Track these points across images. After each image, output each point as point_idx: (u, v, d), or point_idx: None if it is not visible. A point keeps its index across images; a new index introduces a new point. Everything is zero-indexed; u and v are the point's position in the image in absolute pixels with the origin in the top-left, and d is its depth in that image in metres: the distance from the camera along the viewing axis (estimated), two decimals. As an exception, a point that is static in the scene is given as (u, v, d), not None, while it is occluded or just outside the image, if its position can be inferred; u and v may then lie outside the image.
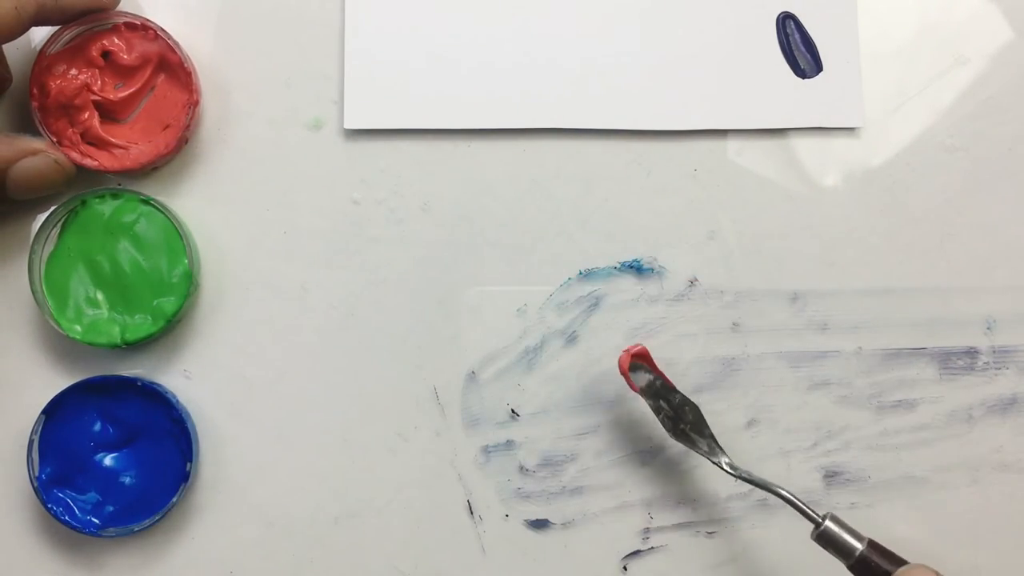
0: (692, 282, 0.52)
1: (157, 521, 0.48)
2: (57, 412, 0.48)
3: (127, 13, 0.49)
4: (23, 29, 0.46)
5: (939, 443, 0.52)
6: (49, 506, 0.48)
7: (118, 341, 0.48)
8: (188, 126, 0.49)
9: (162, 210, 0.49)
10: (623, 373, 0.48)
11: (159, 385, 0.49)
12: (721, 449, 0.48)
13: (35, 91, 0.48)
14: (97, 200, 0.49)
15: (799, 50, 0.52)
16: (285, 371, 0.51)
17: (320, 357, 0.51)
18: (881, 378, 0.52)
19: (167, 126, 0.50)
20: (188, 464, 0.48)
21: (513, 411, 0.51)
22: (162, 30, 0.49)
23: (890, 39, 0.53)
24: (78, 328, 0.48)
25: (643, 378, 0.48)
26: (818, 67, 0.52)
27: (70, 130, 0.49)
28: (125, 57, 0.49)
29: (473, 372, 0.51)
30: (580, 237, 0.52)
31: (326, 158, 0.51)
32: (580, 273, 0.52)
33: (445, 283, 0.51)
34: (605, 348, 0.51)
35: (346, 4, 0.51)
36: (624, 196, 0.52)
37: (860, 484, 0.51)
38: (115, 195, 0.49)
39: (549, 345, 0.51)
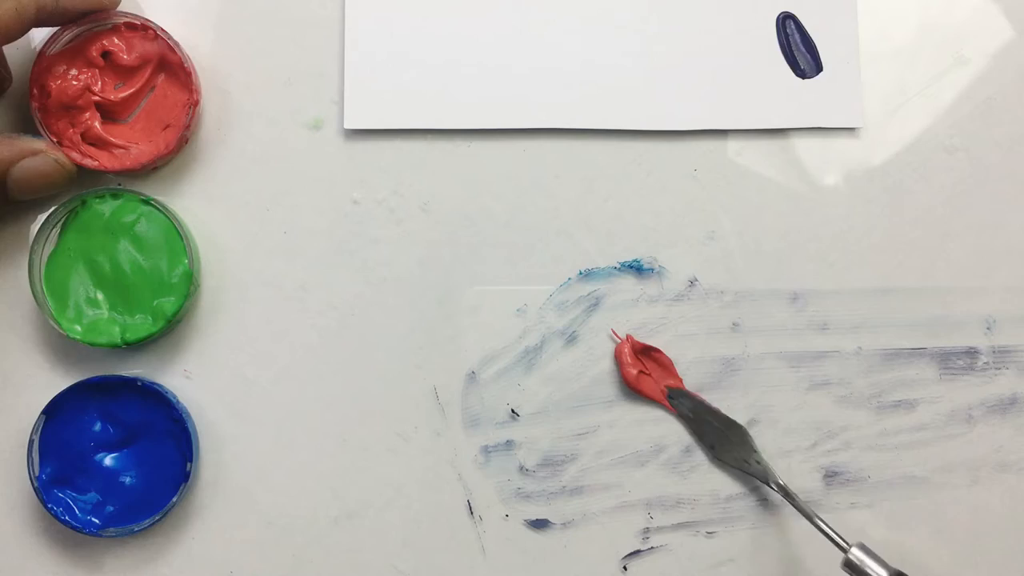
0: (692, 282, 0.52)
1: (157, 521, 0.48)
2: (57, 412, 0.48)
3: (127, 13, 0.49)
4: (23, 30, 0.46)
5: (939, 443, 0.52)
6: (49, 506, 0.48)
7: (118, 341, 0.48)
8: (188, 126, 0.49)
9: (162, 210, 0.49)
10: (633, 386, 0.49)
11: (159, 385, 0.49)
12: (768, 468, 0.49)
13: (35, 91, 0.48)
14: (97, 200, 0.49)
15: (799, 50, 0.52)
16: (285, 371, 0.51)
17: (320, 357, 0.51)
18: (881, 378, 0.52)
19: (167, 126, 0.50)
20: (188, 464, 0.48)
21: (513, 411, 0.51)
22: (162, 30, 0.49)
23: (890, 39, 0.53)
24: (78, 328, 0.48)
25: (683, 404, 0.49)
26: (818, 67, 0.52)
27: (70, 130, 0.49)
28: (125, 57, 0.49)
29: (473, 372, 0.51)
30: (580, 237, 0.52)
31: (326, 158, 0.51)
32: (580, 273, 0.52)
33: (445, 283, 0.51)
34: (605, 348, 0.51)
35: (346, 4, 0.51)
36: (624, 196, 0.52)
37: (860, 484, 0.51)
38: (115, 195, 0.49)
39: (549, 345, 0.51)
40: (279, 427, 0.50)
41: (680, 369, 0.51)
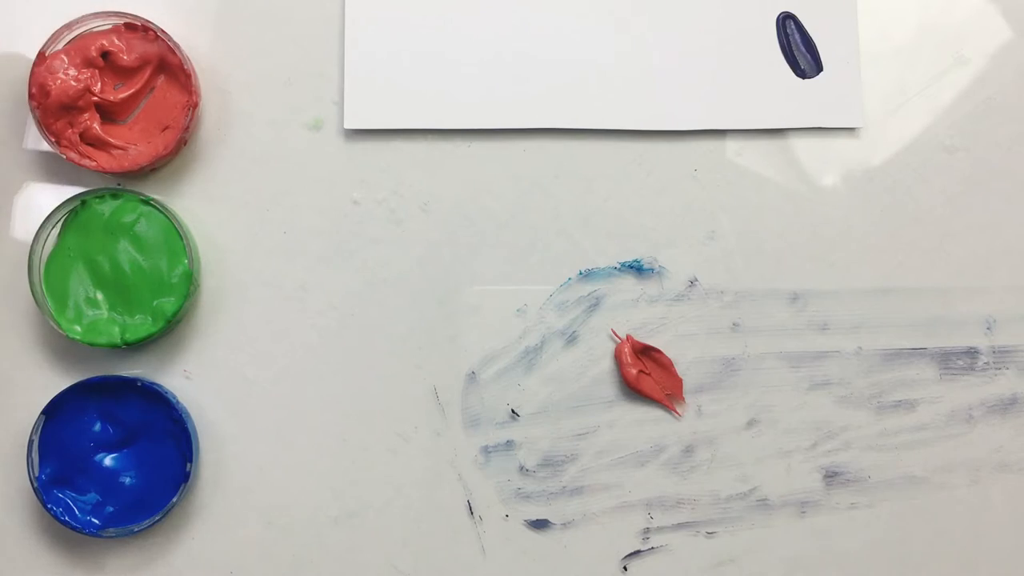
0: (692, 282, 0.52)
1: (157, 521, 0.48)
2: (57, 412, 0.48)
3: (127, 14, 0.49)
4: None
5: (939, 443, 0.52)
6: (49, 506, 0.48)
7: (118, 341, 0.48)
8: (187, 128, 0.49)
9: (162, 210, 0.49)
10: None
11: (159, 385, 0.49)
12: None
13: (35, 91, 0.48)
14: (97, 200, 0.49)
15: (799, 50, 0.52)
16: (285, 371, 0.51)
17: (320, 357, 0.51)
18: (881, 378, 0.52)
19: (166, 127, 0.50)
20: (188, 464, 0.48)
21: (513, 411, 0.51)
22: (162, 31, 0.49)
23: (890, 39, 0.53)
24: (78, 328, 0.48)
25: None
26: (818, 67, 0.52)
27: (69, 131, 0.49)
28: (125, 58, 0.49)
29: (473, 372, 0.51)
30: (580, 237, 0.52)
31: (326, 158, 0.51)
32: (580, 273, 0.52)
33: (445, 283, 0.51)
34: (605, 348, 0.51)
35: (346, 4, 0.51)
36: (624, 196, 0.52)
37: (860, 484, 0.51)
38: (115, 195, 0.49)
39: (549, 345, 0.51)
40: (279, 427, 0.50)
41: (680, 369, 0.51)
